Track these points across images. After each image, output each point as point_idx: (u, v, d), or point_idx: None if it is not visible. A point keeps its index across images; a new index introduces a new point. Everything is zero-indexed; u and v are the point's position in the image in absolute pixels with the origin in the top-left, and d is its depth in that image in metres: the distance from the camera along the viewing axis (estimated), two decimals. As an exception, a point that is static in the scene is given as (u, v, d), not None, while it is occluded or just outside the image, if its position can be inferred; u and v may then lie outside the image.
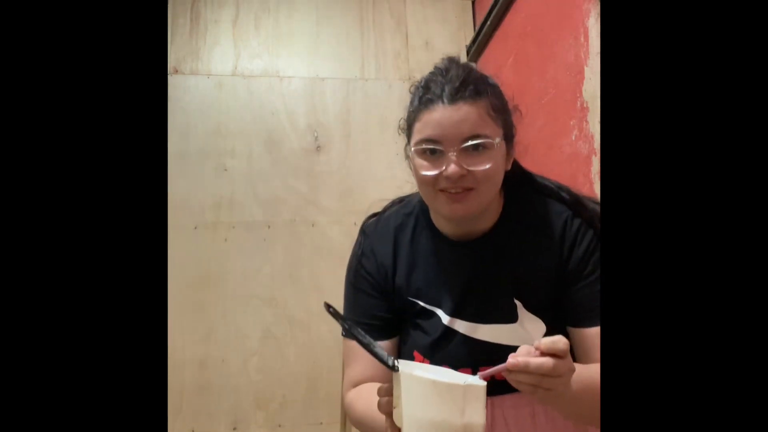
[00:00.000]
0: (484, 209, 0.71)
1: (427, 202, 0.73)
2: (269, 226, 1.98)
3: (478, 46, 2.09)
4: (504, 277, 0.73)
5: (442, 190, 0.67)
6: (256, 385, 1.87)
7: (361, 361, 0.76)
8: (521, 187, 0.77)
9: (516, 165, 0.77)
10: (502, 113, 0.69)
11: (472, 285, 0.74)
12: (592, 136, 1.28)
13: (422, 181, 0.69)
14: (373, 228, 0.81)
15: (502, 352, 0.72)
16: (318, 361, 1.91)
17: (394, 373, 0.57)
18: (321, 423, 1.85)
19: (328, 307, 0.57)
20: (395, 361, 0.57)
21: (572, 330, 0.73)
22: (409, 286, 0.76)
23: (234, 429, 1.84)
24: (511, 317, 0.73)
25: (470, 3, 2.26)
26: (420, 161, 0.67)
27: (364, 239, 0.80)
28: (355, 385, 0.77)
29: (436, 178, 0.66)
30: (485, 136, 0.65)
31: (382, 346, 0.75)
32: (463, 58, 2.20)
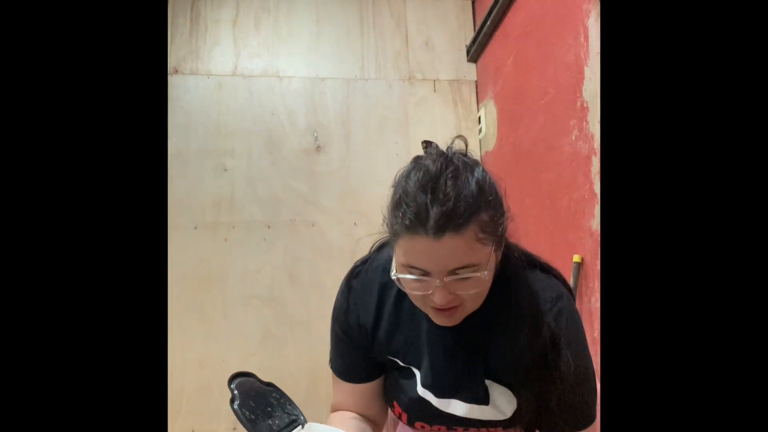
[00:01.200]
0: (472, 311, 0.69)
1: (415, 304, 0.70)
2: (269, 226, 1.98)
3: (478, 46, 2.09)
4: (478, 358, 0.71)
5: (426, 304, 0.66)
6: (256, 385, 1.87)
7: (341, 391, 0.81)
8: (512, 267, 0.71)
9: (508, 246, 0.71)
10: (494, 226, 0.62)
11: (446, 362, 0.72)
12: (592, 136, 1.28)
13: (411, 295, 0.66)
14: (359, 282, 0.78)
15: (472, 420, 0.72)
16: (318, 361, 1.91)
17: None
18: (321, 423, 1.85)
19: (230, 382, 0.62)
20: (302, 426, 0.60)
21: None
22: (389, 346, 0.75)
23: (234, 429, 1.84)
24: (483, 399, 0.71)
25: (470, 3, 2.26)
26: (406, 280, 0.63)
27: (350, 293, 0.78)
28: (334, 410, 0.82)
29: (423, 295, 0.63)
30: (473, 266, 0.60)
31: (361, 388, 0.79)
32: (463, 59, 2.21)
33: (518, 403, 0.71)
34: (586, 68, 1.30)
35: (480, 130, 2.12)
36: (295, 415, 0.66)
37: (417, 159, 0.65)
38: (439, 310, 0.64)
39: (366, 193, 2.04)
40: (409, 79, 2.16)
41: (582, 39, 1.31)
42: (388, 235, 0.67)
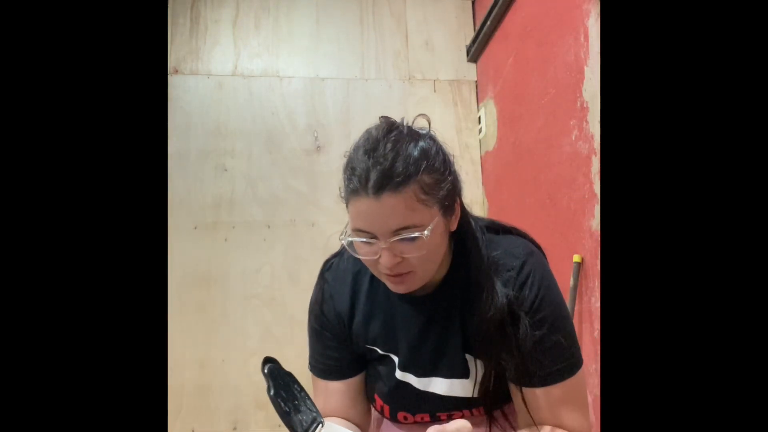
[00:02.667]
0: (428, 279, 0.69)
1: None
2: (269, 226, 1.98)
3: (478, 46, 2.09)
4: (454, 332, 0.71)
5: (380, 271, 0.66)
6: (256, 385, 1.87)
7: (322, 394, 0.81)
8: (471, 234, 0.72)
9: (464, 214, 0.72)
10: (437, 189, 0.63)
11: (423, 340, 0.72)
12: (592, 136, 1.28)
13: (365, 262, 0.67)
14: (332, 274, 0.79)
15: (458, 400, 0.72)
16: (318, 361, 1.91)
17: None
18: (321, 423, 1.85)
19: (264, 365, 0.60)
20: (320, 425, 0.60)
21: (521, 388, 0.70)
22: (366, 334, 0.75)
23: (234, 429, 1.85)
24: (464, 372, 0.72)
25: (470, 3, 2.26)
26: (358, 245, 0.65)
27: (324, 285, 0.79)
28: (323, 413, 0.77)
29: (375, 261, 0.65)
30: (414, 227, 0.61)
31: (344, 385, 0.78)
32: (463, 59, 2.21)
33: (492, 374, 0.71)
34: (586, 68, 1.30)
35: (480, 130, 2.12)
36: (314, 411, 0.65)
37: (368, 129, 0.67)
38: (392, 276, 0.65)
39: (366, 193, 2.04)
40: (409, 79, 2.16)
41: (582, 39, 1.31)
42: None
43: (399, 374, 0.74)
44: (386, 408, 0.77)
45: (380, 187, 0.60)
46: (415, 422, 0.77)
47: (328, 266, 0.81)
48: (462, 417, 0.74)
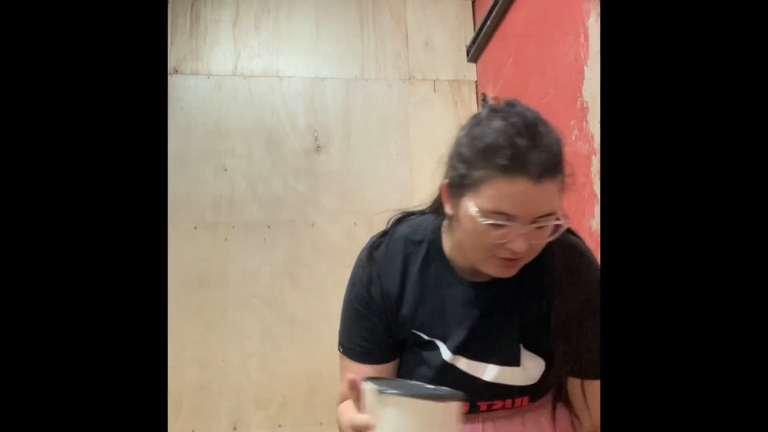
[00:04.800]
0: None
1: (471, 258, 0.68)
2: (269, 226, 1.98)
3: (478, 46, 2.09)
4: (512, 320, 0.72)
5: (494, 255, 0.65)
6: (256, 385, 1.87)
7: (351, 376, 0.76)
8: None
9: None
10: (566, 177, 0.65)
11: (479, 325, 0.72)
12: (592, 136, 1.28)
13: (479, 246, 0.65)
14: (381, 254, 0.76)
15: (501, 388, 0.72)
16: (318, 361, 1.91)
17: (371, 394, 0.55)
18: (321, 423, 1.85)
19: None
20: (371, 383, 0.56)
21: (583, 381, 0.73)
22: (414, 318, 0.74)
23: (234, 429, 1.84)
24: (514, 361, 0.72)
25: (470, 3, 2.26)
26: (483, 228, 0.61)
27: (371, 265, 0.76)
28: (345, 398, 0.75)
29: (498, 245, 0.62)
30: (555, 214, 0.62)
31: (377, 370, 0.75)
32: (463, 59, 2.21)
33: (547, 367, 0.73)
34: (586, 68, 1.30)
35: (480, 130, 2.12)
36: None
37: (491, 109, 0.66)
38: (507, 260, 0.64)
39: (366, 193, 2.04)
40: (409, 79, 2.16)
41: (582, 39, 1.31)
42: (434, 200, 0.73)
43: (449, 357, 0.73)
44: None
45: (543, 172, 0.59)
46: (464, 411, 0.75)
47: (376, 245, 0.78)
48: (503, 407, 0.75)
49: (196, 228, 1.94)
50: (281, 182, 2.01)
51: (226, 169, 1.99)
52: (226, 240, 1.95)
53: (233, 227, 1.96)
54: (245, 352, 1.89)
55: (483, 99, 0.76)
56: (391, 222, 0.81)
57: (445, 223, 0.75)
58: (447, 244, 0.75)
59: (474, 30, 2.22)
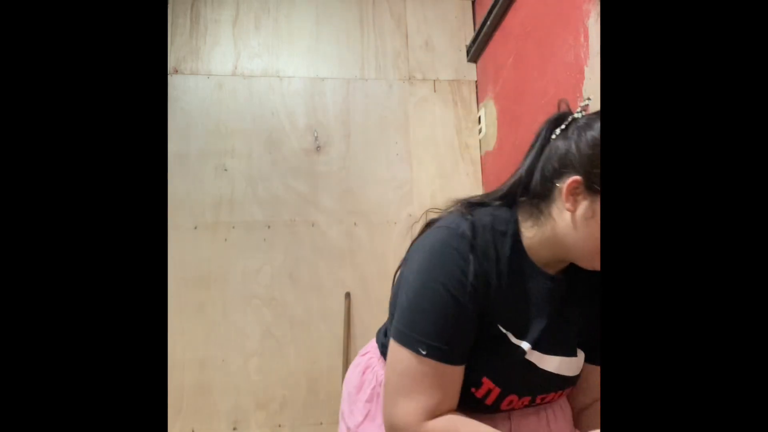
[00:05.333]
0: None
1: (580, 254, 0.69)
2: (269, 226, 1.98)
3: (478, 46, 2.09)
4: (574, 312, 0.75)
5: None
6: (256, 385, 1.87)
7: (443, 389, 0.66)
8: None
9: None
10: None
11: (554, 317, 0.73)
12: (592, 136, 1.27)
13: (598, 243, 0.65)
14: (481, 242, 0.70)
15: (557, 380, 0.74)
16: (318, 361, 1.91)
17: None
18: (321, 423, 1.85)
19: None
20: None
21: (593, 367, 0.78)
22: (500, 311, 0.69)
23: (234, 429, 1.85)
24: (573, 351, 0.75)
25: (470, 3, 2.26)
26: None
27: (474, 253, 0.68)
28: (434, 414, 0.65)
29: None
30: None
31: (460, 372, 0.67)
32: (463, 59, 2.21)
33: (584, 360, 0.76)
34: (586, 68, 1.30)
35: (480, 130, 2.12)
36: None
37: None
38: None
39: (366, 193, 2.04)
40: (409, 79, 2.16)
41: (582, 39, 1.31)
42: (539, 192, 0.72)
43: (527, 352, 0.70)
44: (495, 392, 0.70)
45: None
46: (512, 408, 0.74)
47: (474, 232, 0.69)
48: (555, 398, 0.77)
49: (196, 228, 1.94)
50: (281, 182, 2.01)
51: (226, 169, 1.99)
52: (226, 240, 1.95)
53: (233, 227, 1.96)
54: (245, 352, 1.89)
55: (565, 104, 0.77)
56: (463, 207, 0.75)
57: (522, 215, 0.74)
58: (527, 236, 0.73)
59: (474, 30, 2.22)
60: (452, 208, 0.77)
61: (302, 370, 1.90)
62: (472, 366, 0.69)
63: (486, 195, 0.79)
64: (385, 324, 0.89)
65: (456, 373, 0.67)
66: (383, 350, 0.83)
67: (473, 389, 0.70)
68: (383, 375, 0.79)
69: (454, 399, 0.67)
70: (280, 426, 1.86)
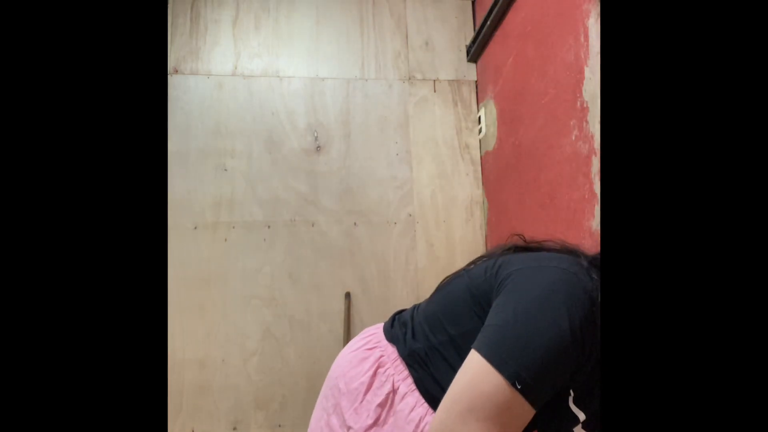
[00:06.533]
0: None
1: None
2: (269, 226, 1.98)
3: (478, 46, 2.09)
4: None
5: None
6: (256, 385, 1.87)
7: (514, 428, 0.60)
8: None
9: None
10: None
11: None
12: (592, 136, 1.28)
13: None
14: (596, 301, 0.62)
15: None
16: (318, 361, 1.92)
17: None
18: (321, 423, 1.85)
19: None
20: None
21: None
22: (579, 375, 0.63)
23: (234, 429, 1.84)
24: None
25: (470, 3, 2.26)
26: None
27: (592, 304, 0.62)
28: None
29: None
30: None
31: (531, 415, 0.61)
32: (463, 59, 2.21)
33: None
34: (586, 68, 1.30)
35: (480, 130, 2.12)
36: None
37: None
38: None
39: (366, 193, 2.04)
40: (409, 79, 2.16)
41: (582, 39, 1.31)
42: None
43: (581, 422, 0.65)
44: None
45: None
46: None
47: (589, 285, 0.63)
48: None
49: (196, 228, 1.94)
50: (281, 182, 2.01)
51: (226, 169, 1.99)
52: (226, 240, 1.95)
53: (233, 227, 1.96)
54: (245, 352, 1.89)
55: None
56: (585, 261, 0.68)
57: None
58: None
59: (474, 30, 2.22)
60: (566, 252, 0.71)
61: (302, 370, 1.90)
62: (541, 421, 0.65)
63: (596, 257, 0.72)
64: (407, 325, 0.82)
65: (529, 416, 0.61)
66: (410, 356, 0.76)
67: None
68: (401, 384, 0.74)
69: None
70: (280, 426, 1.86)
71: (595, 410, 0.66)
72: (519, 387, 0.58)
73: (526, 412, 0.59)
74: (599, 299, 0.61)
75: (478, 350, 0.62)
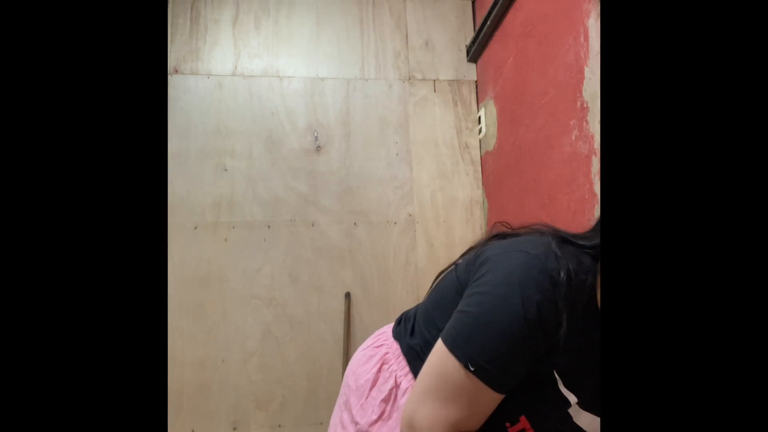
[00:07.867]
0: None
1: None
2: (269, 226, 1.98)
3: (478, 46, 2.09)
4: None
5: None
6: (256, 385, 1.87)
7: (475, 409, 0.63)
8: None
9: None
10: None
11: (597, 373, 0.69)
12: (592, 136, 1.28)
13: None
14: (560, 282, 0.63)
15: None
16: (318, 361, 1.92)
17: None
18: (321, 423, 1.85)
19: None
20: None
21: None
22: (560, 357, 0.64)
23: (234, 429, 1.85)
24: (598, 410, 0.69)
25: (470, 3, 2.26)
26: None
27: (555, 289, 0.62)
28: (457, 429, 0.64)
29: None
30: None
31: (497, 400, 0.64)
32: (463, 59, 2.21)
33: None
34: (586, 68, 1.30)
35: (480, 130, 2.12)
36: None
37: None
38: None
39: (366, 193, 2.04)
40: (409, 79, 2.16)
41: (582, 39, 1.31)
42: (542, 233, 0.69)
43: (573, 406, 0.66)
44: (530, 431, 0.68)
45: None
46: None
47: (555, 268, 0.63)
48: None
49: (196, 228, 1.94)
50: (281, 182, 2.01)
51: (226, 169, 1.99)
52: (226, 240, 1.95)
53: (233, 227, 1.96)
54: (245, 352, 1.89)
55: None
56: (553, 240, 0.69)
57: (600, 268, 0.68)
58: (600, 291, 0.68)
59: (474, 30, 2.22)
60: (538, 234, 0.72)
61: (302, 370, 1.90)
62: (515, 400, 0.67)
63: (574, 235, 0.73)
64: (409, 322, 0.83)
65: (494, 400, 0.63)
66: (409, 352, 0.78)
67: (508, 424, 0.68)
68: (403, 380, 0.76)
69: (480, 422, 0.65)
70: (280, 426, 1.86)
71: (592, 390, 0.67)
72: (472, 369, 0.61)
73: (488, 394, 0.62)
74: (566, 277, 0.62)
75: (441, 337, 0.67)
